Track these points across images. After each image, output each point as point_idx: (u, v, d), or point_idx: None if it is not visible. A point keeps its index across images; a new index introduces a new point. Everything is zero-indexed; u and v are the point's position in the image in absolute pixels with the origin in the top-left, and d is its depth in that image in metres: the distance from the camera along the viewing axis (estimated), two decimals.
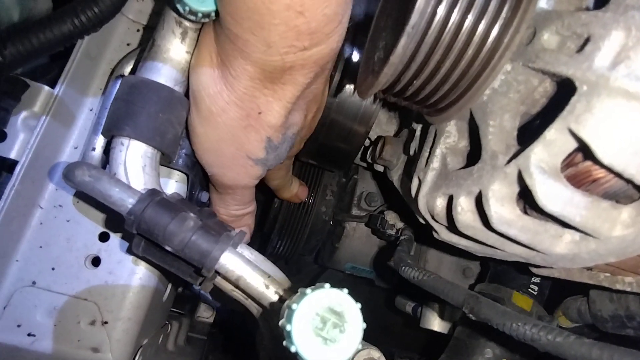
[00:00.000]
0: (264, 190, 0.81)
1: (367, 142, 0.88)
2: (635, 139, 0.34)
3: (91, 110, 0.66)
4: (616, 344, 0.38)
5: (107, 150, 0.54)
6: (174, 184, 0.63)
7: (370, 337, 0.40)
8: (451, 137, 0.54)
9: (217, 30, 0.48)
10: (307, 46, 0.44)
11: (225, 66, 0.48)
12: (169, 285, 0.74)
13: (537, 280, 0.82)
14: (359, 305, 0.37)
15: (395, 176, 0.75)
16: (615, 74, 0.34)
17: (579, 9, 0.43)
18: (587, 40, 0.37)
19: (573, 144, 0.37)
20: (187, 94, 0.55)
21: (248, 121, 0.51)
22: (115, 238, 0.62)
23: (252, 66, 0.46)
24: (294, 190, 0.92)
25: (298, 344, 0.35)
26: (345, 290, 0.37)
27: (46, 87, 0.63)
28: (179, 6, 0.48)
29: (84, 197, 0.62)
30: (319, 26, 0.43)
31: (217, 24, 0.47)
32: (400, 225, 0.93)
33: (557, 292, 0.83)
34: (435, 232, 0.57)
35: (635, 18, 0.34)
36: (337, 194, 1.08)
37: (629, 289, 0.51)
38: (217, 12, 0.49)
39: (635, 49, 0.34)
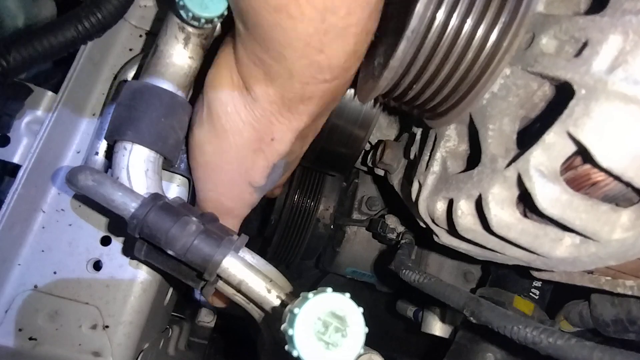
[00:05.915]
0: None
1: (367, 146, 0.88)
2: (633, 142, 0.34)
3: (94, 115, 0.66)
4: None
5: (110, 154, 0.55)
6: (175, 188, 0.63)
7: (371, 341, 0.40)
8: (451, 140, 0.54)
9: (240, 51, 0.48)
10: (329, 79, 0.46)
11: (246, 88, 0.49)
12: (170, 289, 0.74)
13: (538, 284, 0.82)
14: (361, 309, 0.37)
15: (396, 180, 0.75)
16: (613, 78, 0.34)
17: (577, 14, 0.43)
18: (584, 45, 0.37)
19: (572, 148, 0.38)
20: (190, 99, 0.55)
21: (259, 145, 0.52)
22: (116, 242, 0.62)
23: (274, 90, 0.47)
24: None
25: (300, 349, 0.35)
26: (347, 295, 0.37)
27: (49, 92, 0.64)
28: (182, 12, 0.49)
29: (86, 201, 0.62)
30: (339, 62, 0.44)
31: (240, 45, 0.47)
32: (401, 229, 0.93)
33: (559, 296, 0.83)
34: (436, 235, 0.58)
35: (632, 22, 0.34)
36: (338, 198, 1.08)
37: (630, 293, 0.51)
38: (220, 17, 0.49)
39: (632, 53, 0.34)
